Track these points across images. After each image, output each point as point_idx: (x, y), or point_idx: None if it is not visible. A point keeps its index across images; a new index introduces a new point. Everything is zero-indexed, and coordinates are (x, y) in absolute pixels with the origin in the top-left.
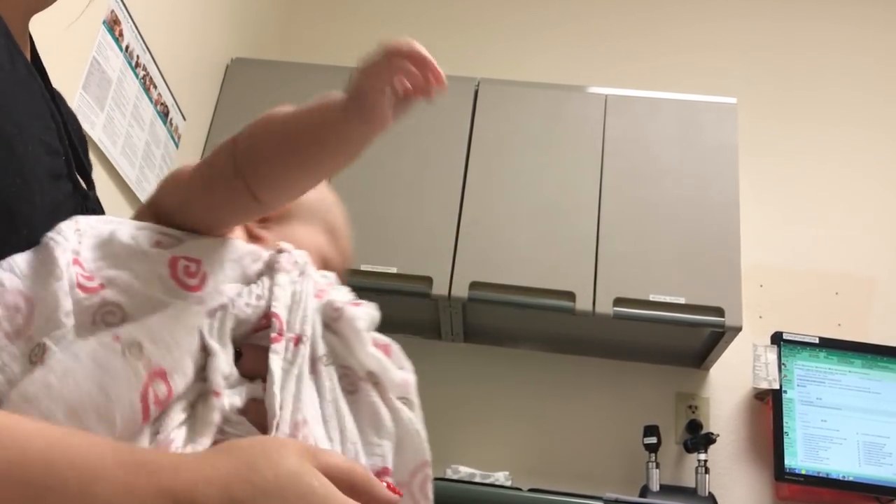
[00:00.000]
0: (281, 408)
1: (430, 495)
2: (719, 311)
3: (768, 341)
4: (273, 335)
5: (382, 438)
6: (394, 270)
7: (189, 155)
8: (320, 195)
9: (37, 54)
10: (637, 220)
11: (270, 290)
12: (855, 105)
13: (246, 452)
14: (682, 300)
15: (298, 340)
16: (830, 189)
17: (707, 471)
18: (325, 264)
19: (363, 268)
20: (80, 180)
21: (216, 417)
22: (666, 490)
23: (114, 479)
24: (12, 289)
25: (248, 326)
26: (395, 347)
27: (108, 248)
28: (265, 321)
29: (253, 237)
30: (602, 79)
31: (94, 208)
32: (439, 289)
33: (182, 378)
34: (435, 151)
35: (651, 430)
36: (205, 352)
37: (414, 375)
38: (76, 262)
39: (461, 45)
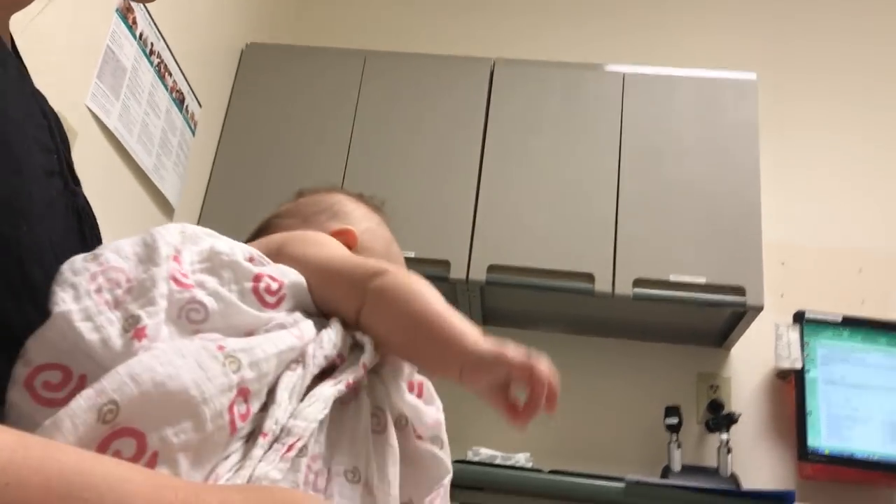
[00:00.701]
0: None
1: None
2: (740, 291)
3: (790, 320)
4: (349, 381)
5: (396, 479)
6: (411, 255)
7: (205, 141)
8: (387, 243)
9: (17, 53)
10: (656, 200)
11: (351, 344)
12: (878, 79)
13: (262, 486)
14: (702, 280)
15: (358, 386)
16: (853, 164)
17: (729, 451)
18: None
19: None
20: (69, 177)
21: (259, 453)
22: (688, 470)
23: (147, 495)
24: (118, 266)
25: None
26: (428, 385)
27: (206, 255)
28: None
29: None
30: (620, 56)
31: (83, 205)
32: (457, 272)
33: (257, 404)
34: (451, 134)
35: (672, 411)
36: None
37: (441, 413)
38: (175, 258)
39: (475, 25)
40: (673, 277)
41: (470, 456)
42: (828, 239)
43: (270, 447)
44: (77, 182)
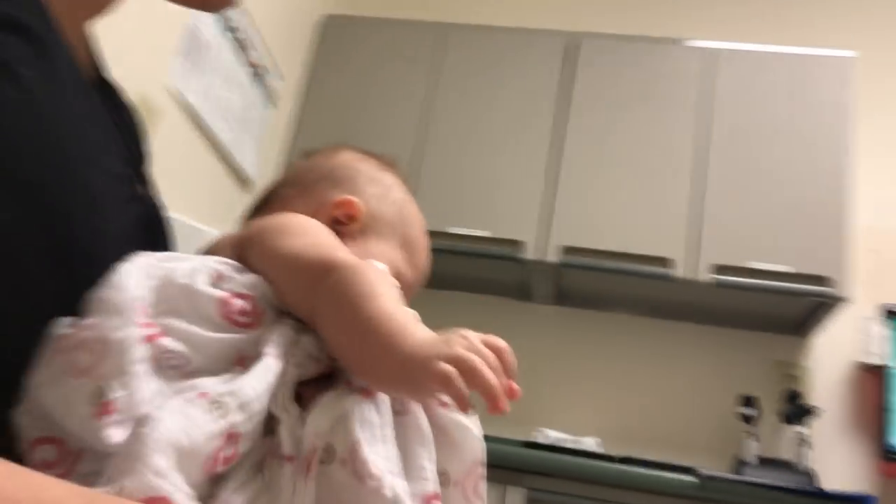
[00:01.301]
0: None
1: (483, 494)
2: (826, 281)
3: (880, 310)
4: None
5: (430, 461)
6: (486, 234)
7: (285, 115)
8: (400, 207)
9: (96, 53)
10: (742, 183)
11: None
12: None
13: None
14: (785, 268)
15: None
16: None
17: (807, 444)
18: (398, 279)
19: (455, 231)
20: (145, 193)
21: (288, 485)
22: (763, 463)
23: None
24: (88, 324)
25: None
26: None
27: (166, 291)
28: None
29: None
30: (711, 31)
31: (154, 217)
32: (530, 253)
33: (249, 443)
34: (529, 111)
35: (748, 401)
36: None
37: None
38: (142, 307)
39: None
40: (754, 264)
41: (537, 437)
42: None
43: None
44: (147, 184)
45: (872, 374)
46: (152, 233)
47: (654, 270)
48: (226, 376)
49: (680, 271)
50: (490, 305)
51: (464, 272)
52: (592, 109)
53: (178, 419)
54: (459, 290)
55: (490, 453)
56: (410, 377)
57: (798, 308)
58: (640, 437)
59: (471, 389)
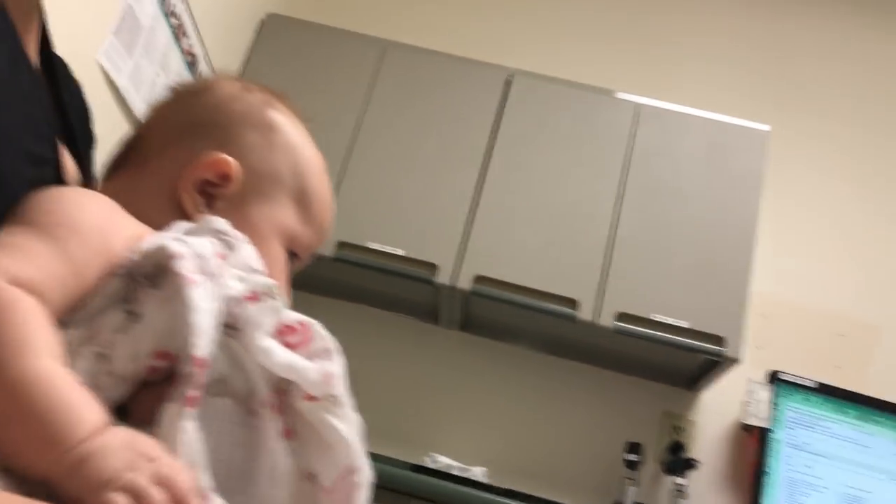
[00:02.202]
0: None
1: None
2: (720, 341)
3: (764, 374)
4: (191, 393)
5: (269, 480)
6: (400, 252)
7: None
8: (290, 154)
9: (46, 39)
10: (651, 237)
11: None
12: (886, 152)
13: None
14: (684, 324)
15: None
16: (852, 230)
17: (683, 495)
18: (291, 242)
19: (370, 245)
20: (77, 179)
21: None
22: None
23: None
24: None
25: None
26: (313, 328)
27: None
28: (163, 359)
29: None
30: (636, 86)
31: None
32: (443, 277)
33: None
34: (458, 138)
35: (634, 447)
36: None
37: (339, 360)
38: None
39: (496, 31)
40: (656, 317)
41: (427, 462)
42: (813, 299)
43: None
44: (88, 169)
45: (753, 436)
46: None
47: (561, 310)
48: None
49: (585, 314)
50: (397, 324)
51: (375, 287)
52: (519, 145)
53: None
54: (370, 305)
55: (377, 474)
56: (76, 489)
57: (691, 363)
58: (527, 472)
59: None
